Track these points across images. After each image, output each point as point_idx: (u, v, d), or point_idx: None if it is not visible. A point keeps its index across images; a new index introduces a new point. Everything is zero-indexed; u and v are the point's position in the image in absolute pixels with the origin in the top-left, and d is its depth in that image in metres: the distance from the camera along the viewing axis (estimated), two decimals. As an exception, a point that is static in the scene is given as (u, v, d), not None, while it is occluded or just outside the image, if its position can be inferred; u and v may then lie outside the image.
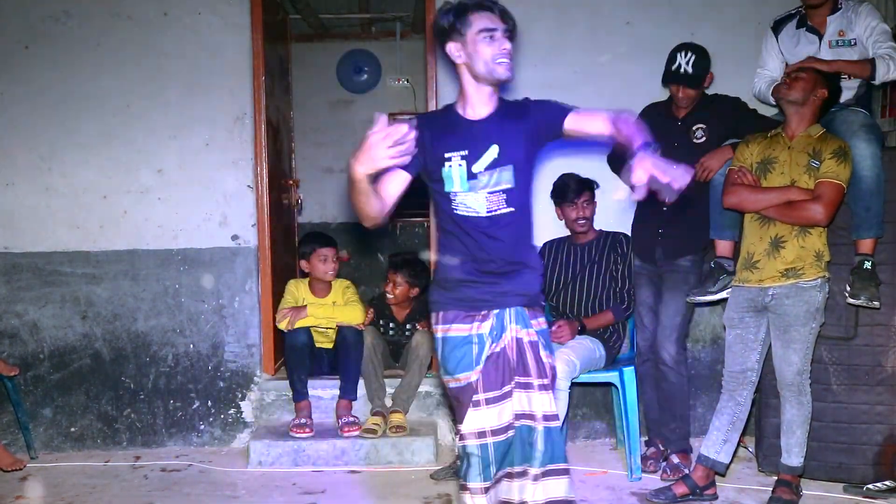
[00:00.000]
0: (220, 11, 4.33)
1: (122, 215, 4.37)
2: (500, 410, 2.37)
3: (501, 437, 2.38)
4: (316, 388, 4.30)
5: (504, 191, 2.36)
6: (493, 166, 2.35)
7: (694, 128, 3.64)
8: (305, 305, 4.25)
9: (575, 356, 3.65)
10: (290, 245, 4.93)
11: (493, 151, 2.35)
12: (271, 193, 4.48)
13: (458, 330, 2.41)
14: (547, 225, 4.03)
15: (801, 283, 3.29)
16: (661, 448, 3.90)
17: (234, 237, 4.40)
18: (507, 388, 2.38)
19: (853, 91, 3.57)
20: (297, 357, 4.17)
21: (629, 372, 3.81)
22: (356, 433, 4.06)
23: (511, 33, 2.35)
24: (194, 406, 4.43)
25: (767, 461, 3.74)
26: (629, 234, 3.99)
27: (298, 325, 4.19)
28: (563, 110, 2.40)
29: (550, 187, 4.02)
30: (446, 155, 2.36)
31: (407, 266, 4.40)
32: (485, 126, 2.38)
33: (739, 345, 3.44)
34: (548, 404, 2.38)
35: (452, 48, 2.35)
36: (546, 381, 2.39)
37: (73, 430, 4.41)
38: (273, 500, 3.68)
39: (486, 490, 2.38)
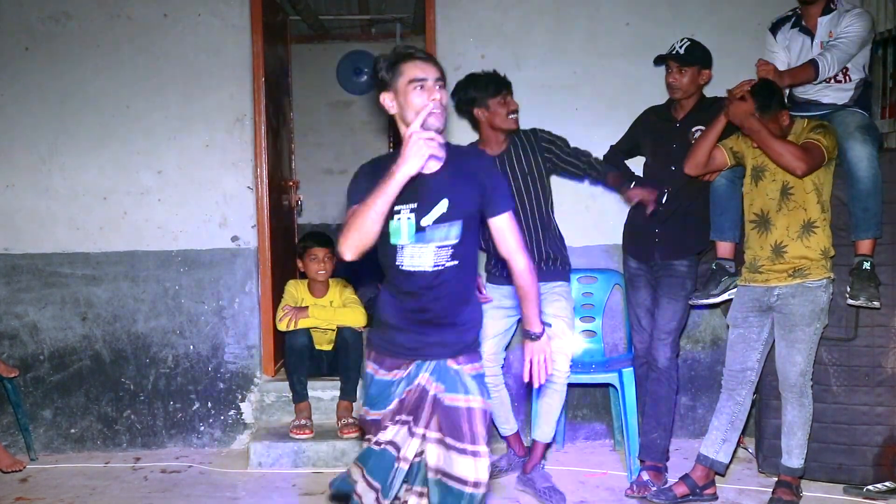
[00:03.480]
0: (219, 13, 4.33)
1: (121, 216, 4.37)
2: (395, 432, 2.43)
3: (378, 448, 2.45)
4: (316, 390, 4.31)
5: (451, 246, 2.36)
6: (441, 220, 2.34)
7: (693, 129, 3.64)
8: (307, 306, 4.25)
9: (566, 347, 3.61)
10: (289, 246, 4.93)
11: (442, 206, 2.33)
12: (271, 194, 4.47)
13: (383, 375, 2.46)
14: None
15: (808, 283, 3.30)
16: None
17: (234, 238, 4.40)
18: (404, 420, 2.43)
19: (849, 93, 3.57)
20: (296, 358, 4.17)
21: (628, 373, 3.80)
22: (356, 434, 4.06)
23: (443, 83, 2.33)
24: (194, 407, 4.43)
25: (768, 462, 3.74)
26: (539, 129, 3.78)
27: (300, 325, 4.19)
28: (498, 208, 2.39)
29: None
30: (396, 207, 2.31)
31: None
32: (434, 179, 2.34)
33: (741, 344, 3.45)
34: (473, 471, 2.35)
35: (385, 98, 2.34)
36: (469, 447, 2.37)
37: (72, 431, 4.41)
38: (273, 501, 3.68)
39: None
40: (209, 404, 4.43)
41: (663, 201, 3.71)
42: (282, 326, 4.21)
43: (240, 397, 4.44)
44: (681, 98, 3.68)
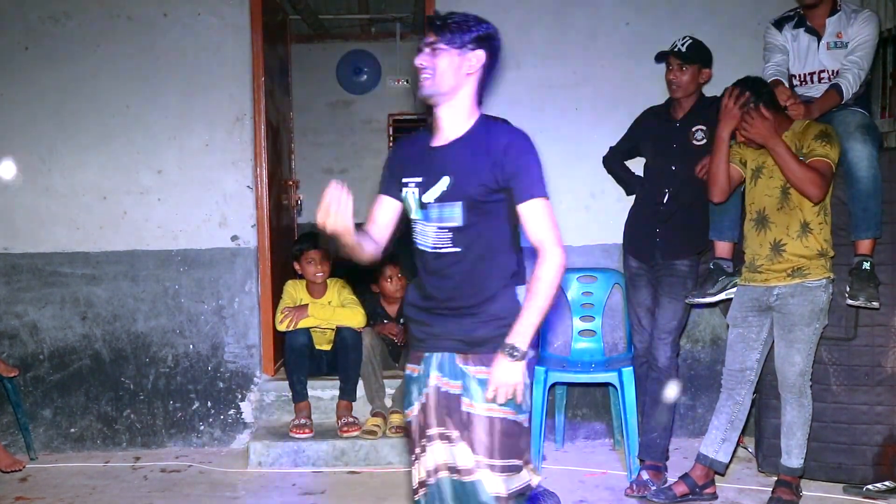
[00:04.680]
0: (219, 12, 4.33)
1: (121, 216, 4.37)
2: (422, 462, 2.25)
3: (422, 491, 2.25)
4: (315, 389, 4.31)
5: (450, 228, 2.15)
6: (441, 199, 2.14)
7: (694, 129, 3.64)
8: (307, 305, 4.25)
9: None
10: (289, 246, 4.93)
11: (442, 184, 2.13)
12: (271, 194, 4.48)
13: (409, 369, 2.31)
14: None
15: (807, 283, 3.30)
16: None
17: (234, 238, 4.40)
18: (428, 437, 2.23)
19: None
20: (296, 358, 4.17)
21: (628, 373, 3.80)
22: (356, 434, 4.06)
23: (437, 46, 2.12)
24: (194, 407, 4.43)
25: (767, 462, 3.74)
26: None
27: (300, 325, 4.19)
28: (521, 195, 2.11)
29: None
30: (404, 180, 2.21)
31: (399, 258, 4.43)
32: (441, 154, 2.16)
33: (741, 343, 3.45)
34: (465, 458, 2.16)
35: None
36: (460, 434, 2.18)
37: (72, 430, 4.41)
38: (273, 500, 3.68)
39: None
40: (209, 404, 4.43)
41: (664, 201, 3.71)
42: (282, 327, 4.21)
43: (239, 397, 4.44)
44: (680, 96, 3.68)
